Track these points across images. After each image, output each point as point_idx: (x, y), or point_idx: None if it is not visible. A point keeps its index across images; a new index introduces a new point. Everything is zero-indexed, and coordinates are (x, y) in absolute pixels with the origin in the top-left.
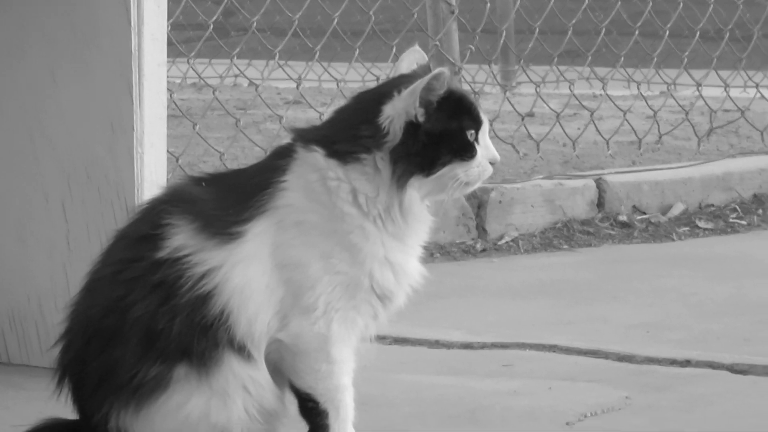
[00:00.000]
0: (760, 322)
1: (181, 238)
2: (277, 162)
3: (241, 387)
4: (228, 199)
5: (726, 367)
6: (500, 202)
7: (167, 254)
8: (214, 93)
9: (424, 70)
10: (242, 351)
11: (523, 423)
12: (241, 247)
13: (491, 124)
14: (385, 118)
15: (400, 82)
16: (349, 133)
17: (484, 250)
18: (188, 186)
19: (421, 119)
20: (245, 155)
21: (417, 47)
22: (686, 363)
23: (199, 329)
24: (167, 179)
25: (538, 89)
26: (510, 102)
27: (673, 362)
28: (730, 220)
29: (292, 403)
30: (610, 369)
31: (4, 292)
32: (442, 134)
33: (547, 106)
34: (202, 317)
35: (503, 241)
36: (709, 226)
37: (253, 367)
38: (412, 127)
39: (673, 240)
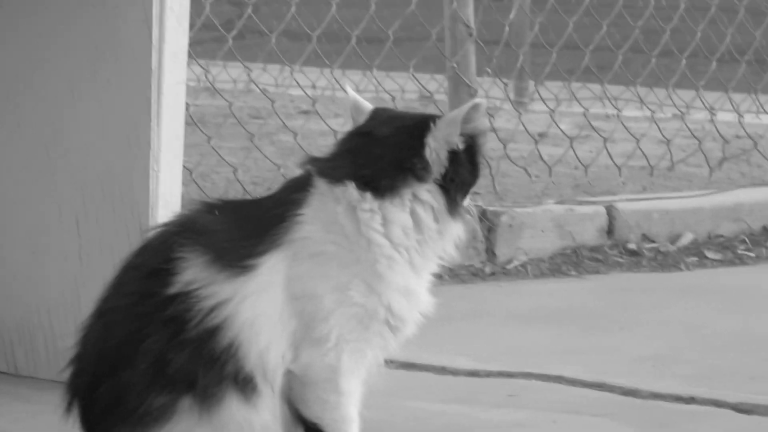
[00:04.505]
0: (766, 360)
1: (191, 272)
2: (294, 195)
3: (240, 429)
4: (241, 231)
5: (730, 405)
6: (510, 225)
7: (178, 289)
8: (230, 108)
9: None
10: (246, 387)
11: None
12: (252, 280)
13: (504, 145)
14: (430, 150)
15: (422, 116)
16: (393, 167)
17: (492, 274)
18: (201, 215)
19: (461, 147)
20: (257, 167)
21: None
22: (691, 400)
23: (205, 362)
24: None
25: (552, 113)
26: (523, 124)
27: (678, 399)
28: (739, 251)
29: None
30: (615, 403)
31: (15, 302)
32: (474, 163)
33: (560, 129)
34: (209, 350)
35: (512, 265)
36: (718, 257)
37: (252, 410)
38: (454, 155)
39: (681, 270)
